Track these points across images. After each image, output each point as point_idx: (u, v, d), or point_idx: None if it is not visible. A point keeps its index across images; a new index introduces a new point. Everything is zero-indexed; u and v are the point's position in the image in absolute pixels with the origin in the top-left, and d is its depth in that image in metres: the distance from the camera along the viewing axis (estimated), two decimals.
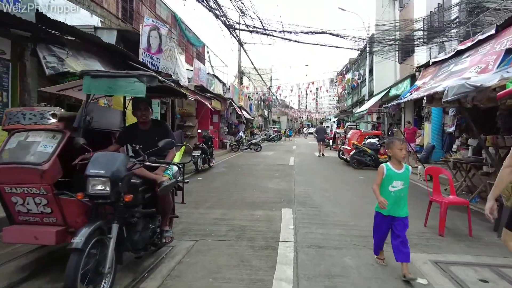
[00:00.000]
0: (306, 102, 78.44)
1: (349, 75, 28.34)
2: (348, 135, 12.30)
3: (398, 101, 8.27)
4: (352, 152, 10.96)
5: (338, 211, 5.10)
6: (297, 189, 6.83)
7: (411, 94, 8.33)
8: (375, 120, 19.95)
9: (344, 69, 38.76)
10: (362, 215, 4.92)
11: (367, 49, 18.99)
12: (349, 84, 26.28)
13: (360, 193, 6.65)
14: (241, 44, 15.94)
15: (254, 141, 18.00)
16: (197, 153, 9.34)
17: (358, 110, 18.06)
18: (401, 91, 12.94)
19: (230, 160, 13.07)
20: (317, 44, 11.68)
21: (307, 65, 46.42)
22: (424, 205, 5.56)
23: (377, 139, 11.43)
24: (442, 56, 8.11)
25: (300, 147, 22.22)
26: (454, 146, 9.42)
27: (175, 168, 3.41)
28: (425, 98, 8.72)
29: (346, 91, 30.35)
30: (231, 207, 5.26)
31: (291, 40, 10.22)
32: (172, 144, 2.78)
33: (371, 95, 20.74)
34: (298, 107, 62.87)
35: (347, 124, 22.13)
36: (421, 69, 9.32)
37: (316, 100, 63.76)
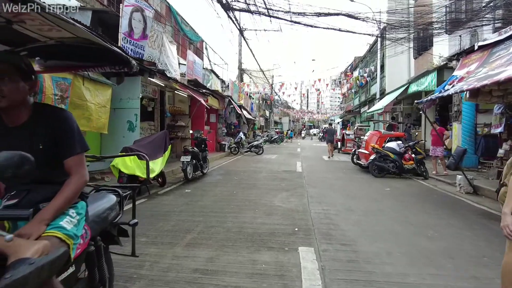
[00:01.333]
0: (308, 101, 76.83)
1: (356, 73, 26.65)
2: (365, 137, 10.62)
3: (438, 95, 6.58)
4: (371, 157, 9.28)
5: (383, 252, 3.39)
6: (314, 209, 5.13)
7: (452, 85, 6.64)
8: (387, 120, 18.26)
9: (349, 68, 37.09)
10: (421, 258, 3.23)
11: (383, 36, 17.32)
12: (357, 82, 24.56)
13: (398, 215, 4.95)
14: (240, 31, 14.16)
15: (255, 143, 16.31)
16: (186, 158, 7.65)
17: (370, 109, 16.39)
18: (424, 86, 11.26)
19: (227, 165, 11.38)
20: (331, 29, 10.00)
21: (313, 59, 44.00)
22: (489, 233, 3.87)
23: (400, 141, 9.73)
24: (494, 38, 6.41)
25: (305, 150, 20.53)
26: (501, 151, 7.72)
27: (100, 206, 1.73)
28: (467, 92, 7.06)
29: (352, 90, 28.65)
30: (222, 243, 3.56)
31: (300, 24, 8.54)
32: (25, 161, 1.10)
33: (382, 93, 19.06)
34: (300, 107, 61.15)
35: (356, 125, 20.45)
36: (460, 57, 7.62)
37: (319, 99, 61.82)
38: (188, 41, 15.41)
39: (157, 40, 9.58)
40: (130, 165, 5.72)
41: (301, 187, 7.18)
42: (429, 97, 6.91)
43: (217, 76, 18.37)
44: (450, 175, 8.94)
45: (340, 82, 45.21)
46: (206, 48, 19.90)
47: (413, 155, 9.13)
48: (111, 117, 7.55)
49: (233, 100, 16.72)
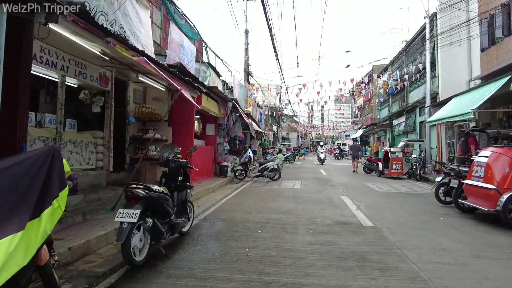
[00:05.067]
0: (311, 115, 72.47)
1: (382, 80, 22.24)
2: (479, 159, 5.93)
3: None
4: (506, 199, 4.65)
5: None
6: None
7: None
8: (447, 131, 13.63)
9: (367, 76, 32.86)
10: None
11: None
12: (388, 89, 20.12)
13: None
14: None
15: (269, 164, 11.65)
16: (128, 217, 3.05)
17: (436, 115, 11.69)
18: None
19: (230, 207, 6.70)
20: None
21: (348, 51, 32.76)
22: None
23: None
24: None
25: (331, 172, 15.80)
26: None
27: None
28: None
29: (380, 99, 24.19)
30: None
31: None
32: None
33: (434, 97, 14.54)
34: (309, 121, 56.71)
35: (402, 139, 15.86)
36: None
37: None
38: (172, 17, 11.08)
39: None
40: None
41: None
42: None
43: (218, 75, 14.01)
44: None
45: (353, 94, 40.98)
46: (206, 50, 15.76)
47: None
48: None
49: (238, 105, 12.22)
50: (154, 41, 10.91)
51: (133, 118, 6.80)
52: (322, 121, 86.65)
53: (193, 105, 7.25)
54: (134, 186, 3.29)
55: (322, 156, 22.32)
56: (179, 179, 4.23)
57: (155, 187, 3.49)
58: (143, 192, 3.25)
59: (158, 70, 4.50)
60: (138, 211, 3.11)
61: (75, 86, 5.68)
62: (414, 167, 12.58)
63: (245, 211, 6.13)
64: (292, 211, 6.19)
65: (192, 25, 13.97)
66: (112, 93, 6.21)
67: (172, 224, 3.72)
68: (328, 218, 5.58)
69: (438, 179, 7.18)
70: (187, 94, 5.90)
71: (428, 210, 6.48)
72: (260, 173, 11.62)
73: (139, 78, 6.02)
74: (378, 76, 23.38)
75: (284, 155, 23.23)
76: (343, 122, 69.62)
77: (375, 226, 5.06)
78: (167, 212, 3.63)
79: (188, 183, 4.39)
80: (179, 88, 5.14)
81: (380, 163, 13.73)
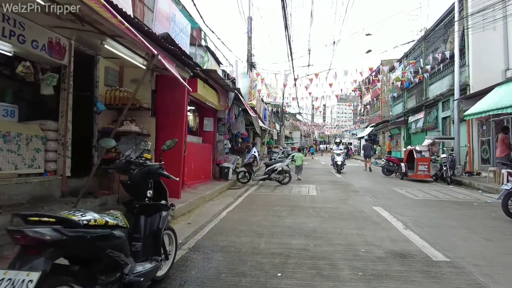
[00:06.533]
0: (322, 109, 70.82)
1: (395, 74, 20.50)
2: None
3: None
4: None
5: None
6: None
7: None
8: (478, 128, 11.86)
9: (374, 73, 31.10)
10: None
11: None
12: (403, 83, 18.41)
13: None
14: None
15: (277, 165, 9.95)
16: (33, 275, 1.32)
17: (473, 109, 9.93)
18: None
19: (231, 223, 4.96)
20: None
21: (369, 34, 24.05)
22: None
23: None
24: None
25: (345, 173, 14.05)
26: None
27: None
28: None
29: (392, 95, 22.44)
30: None
31: None
32: None
33: (464, 89, 12.80)
34: (312, 119, 55.00)
35: (427, 137, 14.09)
36: None
37: (324, 114, 55.19)
38: None
39: None
40: None
41: None
42: None
43: (218, 62, 12.31)
44: None
45: (359, 91, 39.14)
46: (205, 40, 14.07)
47: None
48: None
49: (242, 96, 10.50)
50: (144, 24, 9.22)
51: (103, 105, 5.09)
52: (324, 120, 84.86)
53: (184, 89, 5.55)
54: (36, 219, 1.58)
55: (338, 160, 14.37)
56: (148, 195, 2.53)
57: (89, 217, 1.78)
58: (53, 232, 1.54)
59: (119, 17, 2.79)
60: (36, 277, 1.41)
61: (10, 55, 3.98)
62: (445, 168, 10.87)
63: (253, 233, 4.42)
64: (319, 232, 4.48)
65: (196, 8, 12.27)
66: (70, 69, 4.51)
67: (126, 283, 2.01)
68: (374, 245, 3.86)
69: (507, 186, 5.47)
70: (172, 69, 4.20)
71: (503, 230, 4.76)
72: (266, 175, 9.90)
73: (106, 46, 4.32)
74: (392, 70, 21.62)
75: (289, 154, 21.56)
76: (345, 120, 67.76)
77: (453, 262, 3.35)
78: (116, 262, 1.92)
79: (165, 201, 2.69)
80: (155, 52, 3.43)
81: (403, 164, 12.02)
